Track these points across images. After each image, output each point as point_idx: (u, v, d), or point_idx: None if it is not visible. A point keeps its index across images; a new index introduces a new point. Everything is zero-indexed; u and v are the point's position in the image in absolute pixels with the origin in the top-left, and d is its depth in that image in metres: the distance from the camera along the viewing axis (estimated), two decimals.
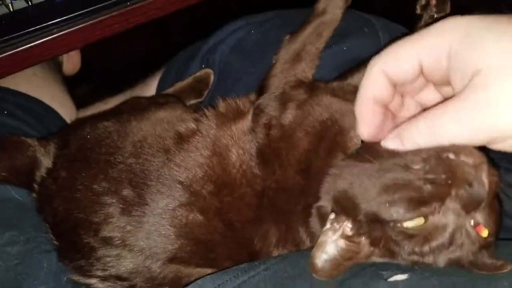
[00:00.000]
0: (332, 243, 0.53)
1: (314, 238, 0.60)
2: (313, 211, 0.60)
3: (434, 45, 0.48)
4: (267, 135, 0.67)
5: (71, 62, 1.23)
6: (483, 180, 0.49)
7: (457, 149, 0.49)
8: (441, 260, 0.52)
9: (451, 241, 0.51)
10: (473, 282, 0.50)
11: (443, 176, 0.49)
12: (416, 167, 0.50)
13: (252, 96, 0.75)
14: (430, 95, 0.55)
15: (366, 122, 0.52)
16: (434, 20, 0.76)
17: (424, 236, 0.51)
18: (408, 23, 0.87)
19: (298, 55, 0.76)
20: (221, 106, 0.73)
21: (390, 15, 0.90)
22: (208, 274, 0.62)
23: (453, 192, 0.50)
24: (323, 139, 0.63)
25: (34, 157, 0.74)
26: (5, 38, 0.77)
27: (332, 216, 0.55)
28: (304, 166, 0.63)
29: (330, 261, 0.53)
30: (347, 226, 0.54)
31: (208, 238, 0.65)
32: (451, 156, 0.49)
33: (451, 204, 0.50)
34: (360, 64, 0.76)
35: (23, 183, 0.75)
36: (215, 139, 0.67)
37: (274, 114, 0.68)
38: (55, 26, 0.79)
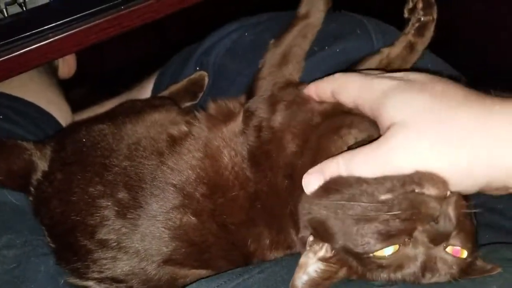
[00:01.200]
0: (312, 264, 0.55)
1: (304, 242, 0.61)
2: (296, 241, 0.62)
3: (366, 96, 0.57)
4: (257, 138, 0.67)
5: (67, 65, 1.23)
6: (449, 214, 0.50)
7: (421, 179, 0.50)
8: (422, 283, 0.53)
9: (424, 269, 0.52)
10: (470, 281, 0.51)
11: (408, 212, 0.50)
12: (382, 197, 0.51)
13: (242, 98, 0.76)
14: None
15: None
16: (422, 24, 0.78)
17: (396, 265, 0.52)
18: (402, 23, 0.87)
19: (285, 58, 0.77)
20: (212, 108, 0.74)
21: (383, 16, 0.91)
22: (203, 278, 0.63)
23: (419, 227, 0.51)
24: (308, 142, 0.64)
25: (31, 161, 0.75)
26: (0, 43, 0.77)
27: (311, 238, 0.56)
28: (291, 170, 0.63)
29: (310, 281, 0.54)
30: (326, 250, 0.55)
31: (202, 239, 0.65)
32: (416, 189, 0.50)
33: (420, 236, 0.51)
34: (353, 66, 0.77)
35: (19, 187, 0.75)
36: (207, 141, 0.68)
37: (264, 116, 0.69)
38: (50, 31, 0.79)
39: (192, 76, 0.94)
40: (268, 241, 0.64)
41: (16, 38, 0.78)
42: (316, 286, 0.54)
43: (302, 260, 0.55)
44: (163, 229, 0.64)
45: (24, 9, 0.80)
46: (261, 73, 0.77)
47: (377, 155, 0.52)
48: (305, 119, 0.67)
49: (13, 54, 0.78)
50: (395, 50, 0.79)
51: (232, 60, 0.89)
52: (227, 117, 0.71)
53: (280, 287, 0.55)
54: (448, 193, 0.51)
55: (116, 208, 0.66)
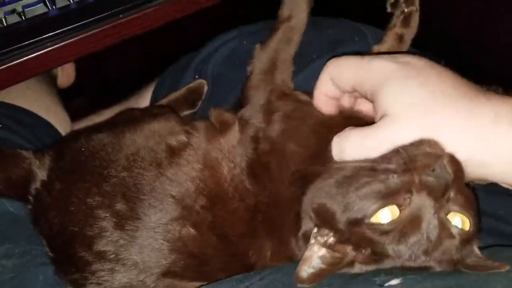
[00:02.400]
0: (317, 257, 0.54)
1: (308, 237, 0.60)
2: (300, 236, 0.61)
3: (363, 80, 0.59)
4: (255, 149, 0.67)
5: (66, 74, 1.24)
6: (445, 164, 0.51)
7: (418, 141, 0.53)
8: (425, 261, 0.53)
9: (428, 236, 0.52)
10: (469, 283, 0.50)
11: (403, 164, 0.52)
12: (380, 167, 0.53)
13: (236, 108, 0.76)
14: None
15: (323, 110, 0.66)
16: (406, 14, 0.80)
17: (399, 230, 0.52)
18: None
19: (273, 64, 0.77)
20: (213, 116, 0.73)
21: (380, 23, 0.91)
22: (203, 285, 0.63)
23: (416, 179, 0.52)
24: (309, 151, 0.64)
25: (29, 169, 0.74)
26: None
27: (315, 230, 0.56)
28: (293, 180, 0.63)
29: (315, 272, 0.54)
30: (330, 237, 0.55)
31: (201, 252, 0.65)
32: (411, 148, 0.53)
33: (420, 197, 0.52)
34: None
35: (18, 196, 0.75)
36: (205, 152, 0.68)
37: (261, 126, 0.69)
38: (48, 40, 0.79)
39: (191, 85, 0.94)
40: (269, 253, 0.63)
41: (15, 47, 0.78)
42: (322, 274, 0.54)
43: (307, 253, 0.55)
44: (162, 241, 0.64)
45: (23, 18, 0.80)
46: (251, 81, 0.77)
47: (366, 141, 0.56)
48: (305, 130, 0.67)
49: (12, 63, 0.78)
50: (385, 45, 0.80)
51: (231, 69, 0.89)
52: (224, 127, 0.71)
53: None
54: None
55: (114, 220, 0.65)
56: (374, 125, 0.56)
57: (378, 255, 0.54)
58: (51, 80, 1.16)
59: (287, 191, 0.63)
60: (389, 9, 0.82)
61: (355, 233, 0.54)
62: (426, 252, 0.52)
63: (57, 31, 0.80)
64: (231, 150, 0.68)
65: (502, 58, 0.91)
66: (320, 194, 0.57)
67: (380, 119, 0.56)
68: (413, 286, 0.50)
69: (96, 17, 0.81)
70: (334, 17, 0.94)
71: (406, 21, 0.80)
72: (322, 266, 0.54)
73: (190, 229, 0.64)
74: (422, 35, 0.82)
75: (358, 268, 0.55)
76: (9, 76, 0.80)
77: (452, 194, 0.52)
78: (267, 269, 0.61)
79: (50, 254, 0.70)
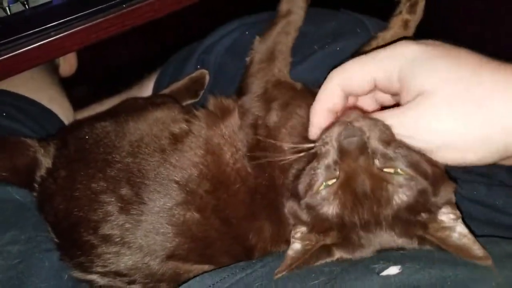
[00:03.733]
0: (292, 252, 0.57)
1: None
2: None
3: (387, 67, 0.56)
4: (255, 135, 0.69)
5: (68, 64, 1.24)
6: (354, 125, 0.55)
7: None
8: (379, 226, 0.55)
9: (364, 192, 0.54)
10: (466, 275, 0.51)
11: (324, 142, 0.56)
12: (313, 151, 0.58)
13: (234, 96, 0.77)
14: (383, 96, 0.63)
15: (318, 127, 0.61)
16: (413, 2, 0.80)
17: (339, 197, 0.55)
18: None
19: (272, 54, 0.79)
20: (210, 105, 0.75)
21: (382, 14, 0.92)
22: (206, 272, 0.64)
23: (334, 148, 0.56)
24: (303, 140, 0.65)
25: (35, 157, 0.76)
26: (3, 41, 0.78)
27: (292, 230, 0.59)
28: (287, 166, 0.65)
29: (293, 264, 0.56)
30: (302, 230, 0.59)
31: (205, 235, 0.66)
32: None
33: (344, 162, 0.55)
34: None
35: (23, 183, 0.75)
36: (207, 139, 0.69)
37: (259, 114, 0.71)
38: (52, 29, 0.80)
39: (193, 75, 0.95)
40: (268, 235, 0.65)
41: (18, 36, 0.79)
42: (299, 263, 0.56)
43: (288, 252, 0.57)
44: (166, 225, 0.65)
45: (27, 7, 0.81)
46: (250, 70, 0.79)
47: (407, 119, 0.54)
48: (300, 120, 0.68)
49: (16, 52, 0.79)
50: (390, 32, 0.80)
51: (233, 59, 0.90)
52: (224, 114, 0.72)
53: (283, 279, 0.55)
54: None
55: (120, 204, 0.66)
56: (411, 103, 0.54)
57: (341, 232, 0.56)
58: (54, 70, 1.16)
59: (280, 178, 0.65)
60: None
61: (314, 217, 0.57)
62: (374, 214, 0.54)
63: (61, 21, 0.80)
64: (232, 136, 0.69)
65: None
66: (291, 200, 0.61)
67: (417, 96, 0.54)
68: (411, 276, 0.50)
69: (100, 7, 0.82)
70: (336, 8, 0.95)
71: (412, 8, 0.80)
72: (298, 256, 0.56)
73: (194, 213, 0.65)
74: (422, 35, 0.82)
75: (338, 255, 0.57)
76: (13, 65, 0.81)
77: (380, 149, 0.54)
78: (269, 257, 0.62)
79: (55, 239, 0.71)
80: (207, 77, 0.94)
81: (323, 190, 0.56)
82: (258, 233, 0.65)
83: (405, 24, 0.80)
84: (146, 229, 0.66)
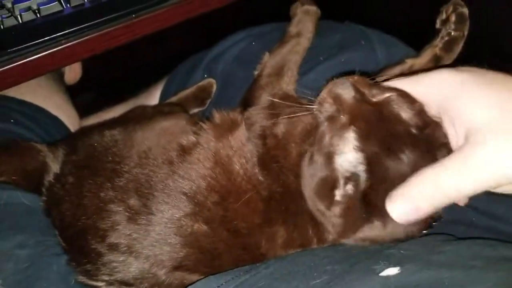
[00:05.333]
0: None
1: (321, 237, 0.63)
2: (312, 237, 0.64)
3: (427, 93, 0.55)
4: (264, 145, 0.69)
5: (73, 72, 1.25)
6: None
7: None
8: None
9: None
10: (463, 276, 0.51)
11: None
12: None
13: (239, 108, 0.79)
14: None
15: None
16: (452, 38, 0.80)
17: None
18: (404, 35, 0.90)
19: (281, 70, 0.82)
20: (216, 118, 0.75)
21: (388, 27, 0.94)
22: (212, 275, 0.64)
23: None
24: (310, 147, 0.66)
25: (44, 162, 0.76)
26: (14, 49, 0.79)
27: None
28: (299, 171, 0.65)
29: None
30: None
31: (213, 246, 0.66)
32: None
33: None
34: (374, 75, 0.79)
35: (32, 187, 0.76)
36: (215, 151, 0.70)
37: (267, 124, 0.72)
38: (62, 38, 0.81)
39: (201, 83, 0.96)
40: (281, 240, 0.65)
41: (29, 44, 0.80)
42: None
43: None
44: (174, 236, 0.65)
45: (38, 16, 0.82)
46: (259, 83, 0.81)
47: (470, 165, 0.50)
48: (306, 128, 0.69)
49: (27, 60, 0.80)
50: (420, 61, 0.81)
51: (240, 68, 0.91)
52: (231, 126, 0.73)
53: (287, 278, 0.56)
54: None
55: (127, 214, 0.67)
56: (468, 145, 0.50)
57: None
58: (59, 77, 1.17)
59: (295, 183, 0.65)
60: (438, 25, 0.82)
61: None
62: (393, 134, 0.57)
63: (71, 29, 0.81)
64: (240, 147, 0.70)
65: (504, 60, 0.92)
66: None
67: (470, 135, 0.50)
68: (409, 276, 0.51)
69: (110, 16, 0.83)
70: (341, 21, 0.97)
71: (449, 45, 0.80)
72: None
73: (202, 225, 0.66)
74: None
75: None
76: (24, 72, 0.82)
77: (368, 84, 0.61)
78: (272, 259, 0.63)
79: (63, 244, 0.72)
80: (215, 86, 0.95)
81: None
82: (270, 240, 0.65)
83: (437, 59, 0.81)
84: (154, 239, 0.66)
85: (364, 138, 0.56)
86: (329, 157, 0.58)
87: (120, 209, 0.67)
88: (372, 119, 0.57)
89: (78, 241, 0.70)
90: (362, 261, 0.56)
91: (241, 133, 0.72)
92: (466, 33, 0.81)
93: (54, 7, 0.83)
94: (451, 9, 0.82)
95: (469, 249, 0.56)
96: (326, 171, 0.58)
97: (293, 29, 0.88)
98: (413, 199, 0.52)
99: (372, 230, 0.58)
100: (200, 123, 0.75)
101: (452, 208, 0.72)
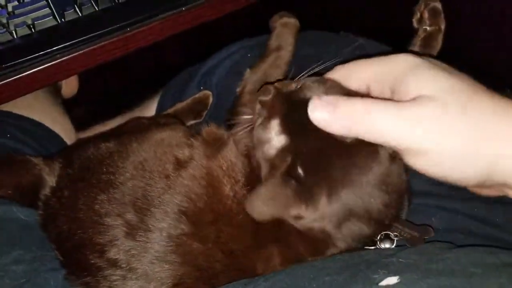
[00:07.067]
0: None
1: (314, 254, 0.63)
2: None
3: (386, 71, 0.58)
4: (249, 164, 0.69)
5: (69, 85, 1.25)
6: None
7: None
8: None
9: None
10: (466, 283, 0.51)
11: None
12: None
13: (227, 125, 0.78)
14: None
15: None
16: (428, 34, 0.81)
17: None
18: (397, 43, 0.90)
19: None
20: (204, 134, 0.76)
21: (381, 37, 0.94)
22: None
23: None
24: None
25: (39, 176, 0.76)
26: (9, 64, 0.79)
27: None
28: None
29: None
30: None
31: (209, 266, 0.66)
32: None
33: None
34: None
35: (28, 201, 0.76)
36: (207, 169, 0.69)
37: (249, 145, 0.70)
38: (57, 52, 0.82)
39: (197, 96, 0.96)
40: (278, 262, 0.65)
41: (25, 59, 0.80)
42: None
43: None
44: (173, 254, 0.65)
45: (33, 30, 0.83)
46: (241, 100, 0.82)
47: (401, 113, 0.53)
48: None
49: (22, 75, 0.80)
50: None
51: (235, 80, 0.91)
52: (219, 144, 0.73)
53: None
54: None
55: (125, 229, 0.66)
56: (411, 101, 0.54)
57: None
58: (56, 91, 1.18)
59: None
60: (415, 24, 0.83)
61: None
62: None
63: (66, 43, 0.82)
64: (229, 167, 0.70)
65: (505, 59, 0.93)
66: None
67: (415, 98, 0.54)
68: (409, 286, 0.51)
69: (105, 30, 0.84)
70: (336, 31, 0.97)
71: (427, 41, 0.81)
72: None
73: (198, 244, 0.65)
74: None
75: None
76: (19, 87, 0.82)
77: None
78: (271, 273, 0.63)
79: (60, 258, 0.71)
80: (211, 98, 0.96)
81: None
82: (266, 261, 0.65)
83: None
84: (153, 256, 0.65)
85: (283, 124, 0.61)
86: (263, 151, 0.62)
87: (117, 223, 0.67)
88: (286, 106, 0.61)
89: (76, 255, 0.69)
90: (362, 271, 0.56)
91: (229, 152, 0.71)
92: (442, 26, 0.82)
93: (49, 22, 0.84)
94: (423, 6, 0.83)
95: (469, 257, 0.56)
96: (266, 166, 0.62)
97: (273, 43, 0.89)
98: (337, 105, 0.56)
99: (301, 210, 0.59)
100: (192, 138, 0.74)
101: (451, 216, 0.73)
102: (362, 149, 0.58)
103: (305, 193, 0.59)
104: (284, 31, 0.90)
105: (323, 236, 0.61)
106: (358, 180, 0.59)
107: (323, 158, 0.59)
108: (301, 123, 0.59)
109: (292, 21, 0.91)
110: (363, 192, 0.59)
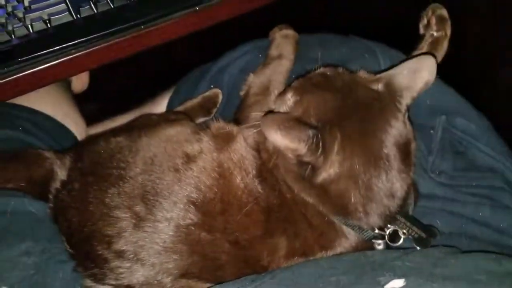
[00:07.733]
0: None
1: (322, 244, 0.64)
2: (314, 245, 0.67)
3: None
4: (259, 158, 0.71)
5: (80, 81, 1.26)
6: None
7: None
8: None
9: None
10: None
11: None
12: None
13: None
14: None
15: None
16: (434, 39, 0.82)
17: None
18: (406, 48, 0.91)
19: (267, 89, 0.85)
20: (214, 128, 0.77)
21: (390, 40, 0.95)
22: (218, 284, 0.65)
23: None
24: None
25: (51, 169, 0.77)
26: (24, 58, 0.81)
27: None
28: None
29: None
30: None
31: (216, 256, 0.67)
32: None
33: None
34: None
35: (39, 194, 0.77)
36: (218, 162, 0.71)
37: (259, 140, 0.73)
38: (72, 47, 0.83)
39: (207, 93, 0.97)
40: (283, 252, 0.66)
41: (40, 53, 0.82)
42: None
43: None
44: (179, 244, 0.66)
45: (49, 26, 0.84)
46: (247, 102, 0.84)
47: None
48: None
49: (37, 69, 0.82)
50: None
51: (246, 80, 0.92)
52: (228, 139, 0.74)
53: None
54: None
55: (133, 221, 0.67)
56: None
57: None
58: (66, 86, 1.18)
59: (291, 192, 0.67)
60: (421, 30, 0.85)
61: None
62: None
63: (81, 39, 0.83)
64: (240, 159, 0.71)
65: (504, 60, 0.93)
66: None
67: None
68: None
69: (119, 27, 0.85)
70: (344, 34, 0.98)
71: (433, 46, 0.83)
72: None
73: (206, 234, 0.66)
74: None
75: None
76: (33, 81, 0.84)
77: None
78: (278, 269, 0.64)
79: (69, 250, 0.73)
80: (220, 96, 0.97)
81: None
82: (272, 251, 0.66)
83: None
84: (160, 247, 0.67)
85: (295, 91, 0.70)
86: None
87: (126, 215, 0.68)
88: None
89: (84, 247, 0.71)
90: (368, 272, 0.57)
91: (239, 145, 0.73)
92: (448, 32, 0.83)
93: (65, 17, 0.85)
94: (430, 12, 0.85)
95: (473, 263, 0.57)
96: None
97: (273, 52, 0.91)
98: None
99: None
100: (201, 133, 0.76)
101: (456, 220, 0.73)
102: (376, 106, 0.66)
103: (317, 137, 0.63)
104: (284, 42, 0.92)
105: (339, 192, 0.64)
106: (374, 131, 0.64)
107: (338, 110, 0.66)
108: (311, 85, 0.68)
109: (291, 32, 0.94)
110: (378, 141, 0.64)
